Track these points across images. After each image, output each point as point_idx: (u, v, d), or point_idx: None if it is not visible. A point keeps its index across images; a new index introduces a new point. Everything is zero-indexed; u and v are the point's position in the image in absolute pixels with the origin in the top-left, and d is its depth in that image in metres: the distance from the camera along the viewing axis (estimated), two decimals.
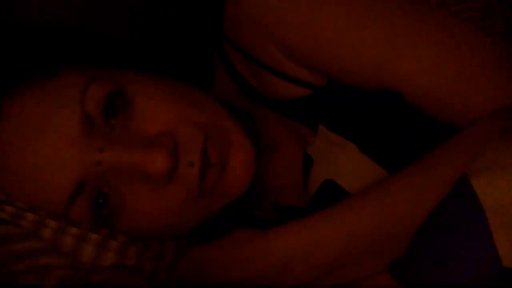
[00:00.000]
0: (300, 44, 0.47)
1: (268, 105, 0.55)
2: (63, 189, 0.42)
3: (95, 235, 0.43)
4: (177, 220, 0.45)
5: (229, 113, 0.48)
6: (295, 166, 0.54)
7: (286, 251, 0.41)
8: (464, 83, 0.45)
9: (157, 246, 0.46)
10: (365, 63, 0.46)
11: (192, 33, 0.57)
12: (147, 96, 0.44)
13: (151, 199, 0.43)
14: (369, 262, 0.42)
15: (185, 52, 0.57)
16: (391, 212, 0.41)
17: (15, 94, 0.43)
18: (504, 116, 0.43)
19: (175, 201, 0.43)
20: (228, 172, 0.45)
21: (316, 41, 0.46)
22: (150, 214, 0.43)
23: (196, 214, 0.46)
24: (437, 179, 0.41)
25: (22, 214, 0.43)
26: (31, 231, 0.42)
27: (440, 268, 0.40)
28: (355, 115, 0.49)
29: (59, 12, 0.52)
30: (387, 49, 0.45)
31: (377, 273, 0.43)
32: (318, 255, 0.41)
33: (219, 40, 0.55)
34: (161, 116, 0.44)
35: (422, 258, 0.41)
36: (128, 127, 0.43)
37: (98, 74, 0.44)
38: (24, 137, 0.42)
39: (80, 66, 0.46)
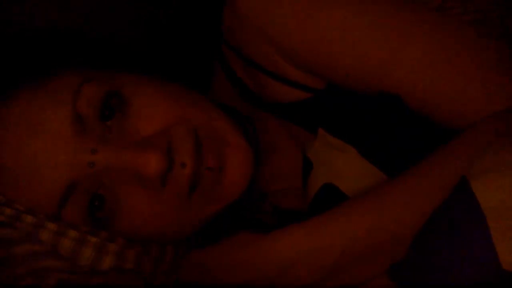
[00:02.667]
0: (298, 47, 0.47)
1: (267, 109, 0.55)
2: (54, 190, 0.42)
3: (94, 238, 0.43)
4: (173, 223, 0.45)
5: (226, 115, 0.48)
6: (294, 169, 0.54)
7: (286, 254, 0.41)
8: (463, 85, 0.45)
9: (157, 249, 0.46)
10: (364, 66, 0.46)
11: (191, 36, 0.57)
12: (143, 98, 0.44)
13: (146, 201, 0.43)
14: (369, 266, 0.42)
15: (184, 55, 0.57)
16: (391, 215, 0.41)
17: (9, 95, 0.43)
18: (504, 118, 0.43)
19: (169, 204, 0.43)
20: (224, 174, 0.44)
21: (314, 44, 0.46)
22: (146, 216, 0.43)
23: (193, 216, 0.46)
24: (436, 182, 0.41)
25: (20, 217, 0.42)
26: (30, 234, 0.42)
27: (439, 271, 0.40)
28: (355, 118, 0.49)
29: (57, 14, 0.52)
30: (386, 51, 0.45)
31: (377, 276, 0.42)
32: (318, 259, 0.41)
33: (218, 43, 0.55)
34: (156, 117, 0.44)
35: (421, 261, 0.41)
36: (124, 128, 0.43)
37: (94, 75, 0.44)
38: (18, 137, 0.42)
39: (77, 67, 0.46)
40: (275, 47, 0.49)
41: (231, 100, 0.56)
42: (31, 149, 0.41)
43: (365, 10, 0.46)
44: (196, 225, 0.47)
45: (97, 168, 0.42)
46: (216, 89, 0.58)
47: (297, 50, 0.48)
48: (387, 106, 0.47)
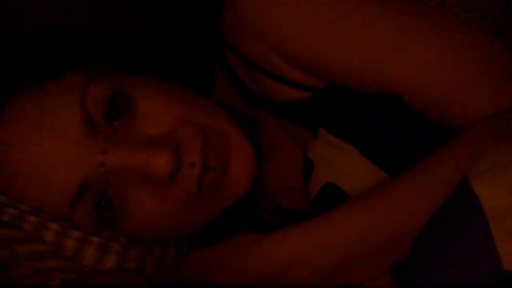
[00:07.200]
0: (298, 49, 0.47)
1: (268, 109, 0.55)
2: (66, 191, 0.42)
3: (96, 238, 0.43)
4: (179, 222, 0.45)
5: (229, 116, 0.48)
6: (295, 169, 0.54)
7: (287, 255, 0.41)
8: (464, 85, 0.44)
9: (159, 249, 0.46)
10: (364, 66, 0.46)
11: (192, 38, 0.57)
12: (149, 98, 0.45)
13: (154, 200, 0.43)
14: (370, 266, 0.42)
15: (186, 56, 0.57)
16: (392, 215, 0.41)
17: (17, 96, 0.43)
18: (505, 118, 0.43)
19: (176, 202, 0.43)
20: (228, 175, 0.45)
21: (314, 45, 0.46)
22: (152, 215, 0.44)
23: (198, 216, 0.46)
24: (437, 182, 0.41)
25: (24, 217, 0.43)
26: (33, 234, 0.42)
27: (440, 271, 0.40)
28: (355, 117, 0.49)
29: (62, 15, 0.52)
30: (386, 52, 0.45)
31: (378, 276, 0.42)
32: (319, 259, 0.41)
33: (218, 45, 0.55)
34: (163, 118, 0.44)
35: (423, 261, 0.41)
36: (130, 129, 0.44)
37: (99, 76, 0.44)
38: (27, 138, 0.42)
39: (82, 68, 0.46)
40: (275, 48, 0.49)
41: (232, 100, 0.56)
42: (41, 150, 0.41)
43: (365, 11, 0.45)
44: (200, 224, 0.47)
45: (107, 168, 0.42)
46: (218, 89, 0.58)
47: (296, 52, 0.48)
48: (388, 105, 0.47)
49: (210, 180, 0.44)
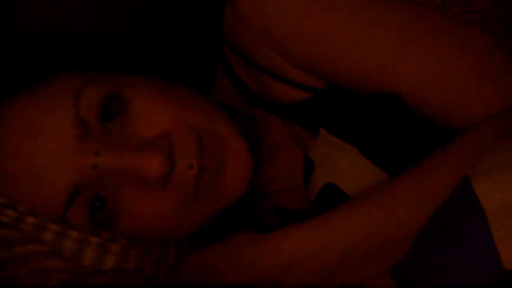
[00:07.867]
0: (299, 49, 0.47)
1: (268, 109, 0.55)
2: (59, 193, 0.42)
3: (95, 239, 0.43)
4: (174, 224, 0.45)
5: (227, 117, 0.48)
6: (296, 169, 0.54)
7: (287, 255, 0.41)
8: (464, 85, 0.45)
9: (158, 249, 0.46)
10: (364, 67, 0.46)
11: (193, 37, 0.57)
12: (144, 100, 0.44)
13: (147, 202, 0.43)
14: (371, 266, 0.42)
15: (186, 56, 0.57)
16: (392, 215, 0.41)
17: (11, 98, 0.43)
18: (505, 119, 0.43)
19: (171, 204, 0.43)
20: (224, 176, 0.45)
21: (315, 46, 0.46)
22: (147, 217, 0.43)
23: (194, 217, 0.46)
24: (438, 182, 0.41)
25: (22, 218, 0.42)
26: (32, 235, 0.42)
27: (440, 271, 0.40)
28: (355, 118, 0.49)
29: (58, 15, 0.52)
30: (387, 52, 0.45)
31: (378, 276, 0.42)
32: (319, 259, 0.41)
33: (219, 44, 0.55)
34: (157, 120, 0.44)
35: (423, 261, 0.41)
36: (124, 131, 0.43)
37: (94, 77, 0.44)
38: (20, 141, 0.42)
39: (77, 69, 0.46)
40: (276, 48, 0.49)
41: (233, 100, 0.56)
42: (34, 153, 0.41)
43: (366, 11, 0.45)
44: (197, 225, 0.47)
45: (100, 170, 0.42)
46: (218, 89, 0.58)
47: (297, 51, 0.48)
48: (388, 105, 0.47)
49: (205, 181, 0.44)
